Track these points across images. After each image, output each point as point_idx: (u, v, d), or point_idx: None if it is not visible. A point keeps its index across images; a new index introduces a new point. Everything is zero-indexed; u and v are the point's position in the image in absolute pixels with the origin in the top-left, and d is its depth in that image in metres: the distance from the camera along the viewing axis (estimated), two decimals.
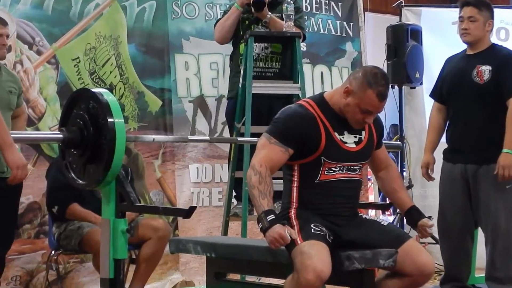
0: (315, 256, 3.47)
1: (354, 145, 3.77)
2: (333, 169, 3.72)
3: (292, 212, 3.71)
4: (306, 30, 6.15)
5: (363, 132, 3.81)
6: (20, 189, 4.63)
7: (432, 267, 3.73)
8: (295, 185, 3.75)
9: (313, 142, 3.68)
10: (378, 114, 3.83)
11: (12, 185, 4.33)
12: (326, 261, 3.48)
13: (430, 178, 5.13)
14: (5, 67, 4.69)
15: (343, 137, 3.75)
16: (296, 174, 3.74)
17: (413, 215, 3.97)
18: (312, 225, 3.61)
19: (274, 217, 3.54)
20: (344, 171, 3.74)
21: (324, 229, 3.62)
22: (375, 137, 3.89)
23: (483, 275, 4.93)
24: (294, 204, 3.73)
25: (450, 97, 5.00)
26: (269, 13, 5.54)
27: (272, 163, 3.66)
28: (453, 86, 4.98)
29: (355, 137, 3.78)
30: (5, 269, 5.19)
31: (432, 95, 5.20)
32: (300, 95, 5.46)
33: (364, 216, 3.91)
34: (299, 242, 3.54)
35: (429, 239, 6.77)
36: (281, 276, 4.54)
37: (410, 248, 3.71)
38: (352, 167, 3.77)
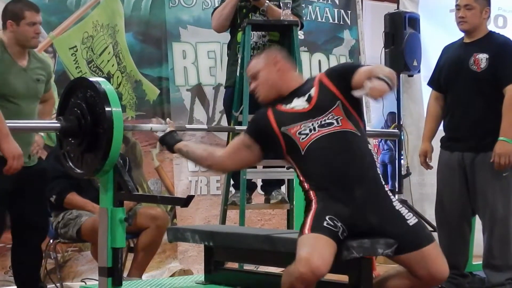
0: (315, 251, 3.36)
1: (306, 104, 3.64)
2: (303, 132, 3.58)
3: (310, 193, 3.55)
4: (304, 18, 6.14)
5: (312, 88, 3.68)
6: (44, 175, 4.60)
7: (445, 274, 3.62)
8: (297, 170, 3.64)
9: (268, 130, 3.67)
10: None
11: (37, 172, 4.33)
12: (325, 258, 3.37)
13: (428, 166, 5.14)
14: (34, 53, 4.61)
15: (290, 104, 3.67)
16: (291, 162, 3.68)
17: None
18: (327, 217, 3.45)
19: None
20: (316, 129, 3.58)
21: (339, 224, 3.45)
22: (331, 83, 3.66)
23: (481, 262, 4.94)
24: (305, 183, 3.58)
25: (447, 85, 5.01)
26: (267, 1, 5.53)
27: (230, 148, 3.81)
28: (450, 74, 4.98)
29: (304, 96, 3.67)
30: (3, 258, 5.21)
31: (430, 83, 5.20)
32: None
33: (393, 202, 3.63)
34: (306, 232, 3.44)
35: (427, 227, 6.79)
36: (279, 265, 4.55)
37: (429, 253, 3.57)
38: (321, 122, 3.59)
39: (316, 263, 3.33)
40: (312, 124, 3.60)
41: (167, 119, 3.94)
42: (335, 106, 3.63)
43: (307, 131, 3.59)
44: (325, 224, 3.43)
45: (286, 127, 3.63)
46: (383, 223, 3.56)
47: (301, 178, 3.62)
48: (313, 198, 3.55)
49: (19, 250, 4.51)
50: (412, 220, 3.61)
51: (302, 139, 3.59)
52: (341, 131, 3.61)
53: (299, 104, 3.67)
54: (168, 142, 3.89)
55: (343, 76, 3.65)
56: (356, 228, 3.52)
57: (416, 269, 3.58)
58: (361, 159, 3.63)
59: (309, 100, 3.66)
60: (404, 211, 3.62)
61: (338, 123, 3.61)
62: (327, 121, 3.61)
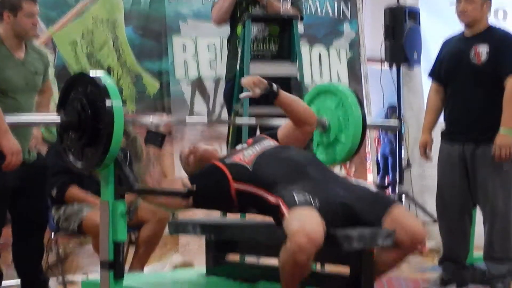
0: (305, 220, 3.39)
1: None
2: (245, 155, 3.83)
3: (273, 200, 3.63)
4: (304, 12, 6.14)
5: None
6: (44, 171, 4.60)
7: (422, 231, 3.69)
8: (252, 190, 3.72)
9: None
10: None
11: (37, 168, 4.32)
12: (318, 223, 3.39)
13: (428, 157, 5.14)
14: (32, 46, 4.53)
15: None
16: (242, 187, 3.75)
17: None
18: (294, 193, 3.55)
19: None
20: (257, 149, 3.85)
21: (308, 195, 3.55)
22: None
23: (481, 254, 4.95)
24: (267, 195, 3.67)
25: (448, 78, 5.01)
26: None
27: None
28: (451, 67, 4.99)
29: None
30: (5, 253, 5.21)
31: (430, 75, 5.21)
32: (298, 76, 5.47)
33: (348, 178, 3.94)
34: (286, 213, 3.48)
35: (428, 219, 6.80)
36: (277, 255, 4.57)
37: (398, 213, 3.66)
38: (261, 146, 3.90)
39: (312, 230, 3.36)
40: (252, 149, 3.86)
41: (164, 115, 3.95)
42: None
43: (250, 152, 3.83)
44: (296, 199, 3.51)
45: (229, 158, 3.85)
46: (347, 192, 3.69)
47: (264, 197, 3.67)
48: (278, 202, 3.58)
49: (20, 246, 4.51)
50: (372, 188, 3.81)
51: (246, 158, 3.81)
52: (279, 145, 3.94)
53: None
54: (153, 140, 3.91)
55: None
56: (326, 200, 3.58)
57: (398, 229, 3.62)
58: (303, 153, 3.92)
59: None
60: (362, 183, 3.85)
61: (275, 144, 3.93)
62: (265, 144, 3.91)
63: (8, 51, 4.31)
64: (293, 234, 3.36)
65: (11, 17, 4.35)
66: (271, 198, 3.63)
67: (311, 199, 3.54)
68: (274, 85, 3.97)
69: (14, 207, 4.37)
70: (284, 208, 3.51)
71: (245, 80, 4.05)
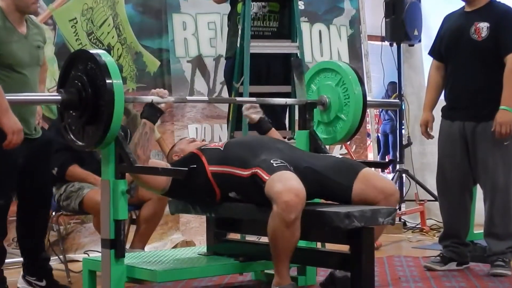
0: (287, 180, 3.60)
1: None
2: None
3: (246, 172, 3.83)
4: None
5: None
6: (50, 146, 4.59)
7: (392, 186, 3.96)
8: (225, 169, 3.92)
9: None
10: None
11: (42, 143, 4.31)
12: (299, 182, 3.60)
13: (429, 136, 5.14)
14: (31, 20, 4.48)
15: None
16: (216, 169, 3.94)
17: None
18: (271, 160, 3.75)
19: None
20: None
21: (283, 162, 3.75)
22: None
23: (482, 231, 4.96)
24: (239, 171, 3.87)
25: (448, 55, 4.99)
26: None
27: None
28: (451, 43, 4.97)
29: None
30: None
31: (431, 53, 5.19)
32: (298, 54, 5.45)
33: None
34: (266, 178, 3.66)
35: (428, 196, 6.81)
36: None
37: (366, 176, 3.87)
38: None
39: (296, 188, 3.56)
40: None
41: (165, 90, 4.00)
42: None
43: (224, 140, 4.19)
44: (275, 165, 3.71)
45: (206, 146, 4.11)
46: (316, 160, 3.96)
47: (237, 173, 3.87)
48: (255, 170, 3.78)
49: (24, 223, 4.52)
50: (338, 155, 4.16)
51: (220, 143, 4.08)
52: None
53: None
54: (150, 115, 3.94)
55: None
56: (296, 167, 3.78)
57: (368, 195, 3.83)
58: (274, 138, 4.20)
59: None
60: (330, 153, 4.22)
61: None
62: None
63: (12, 25, 4.28)
64: (279, 193, 3.55)
65: None
66: (244, 172, 3.83)
67: (287, 164, 3.74)
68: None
69: (20, 184, 4.37)
70: (263, 174, 3.70)
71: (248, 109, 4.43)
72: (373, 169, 4.17)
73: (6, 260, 4.46)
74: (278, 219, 3.56)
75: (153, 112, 3.93)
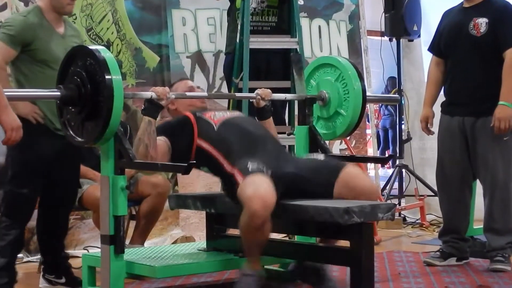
0: (257, 185, 3.65)
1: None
2: (216, 115, 4.14)
3: (228, 168, 3.91)
4: None
5: None
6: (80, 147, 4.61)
7: (372, 186, 4.02)
8: (212, 152, 4.00)
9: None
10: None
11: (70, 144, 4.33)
12: (269, 189, 3.65)
13: (429, 132, 5.13)
14: (69, 22, 4.62)
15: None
16: (204, 145, 4.01)
17: None
18: (248, 163, 3.80)
19: None
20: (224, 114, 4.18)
21: (261, 165, 3.80)
22: None
23: (481, 226, 4.96)
24: (223, 162, 3.95)
25: (447, 50, 4.99)
26: None
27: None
28: (450, 39, 4.97)
29: None
30: None
31: (430, 49, 5.18)
32: (298, 49, 5.45)
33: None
34: (239, 181, 3.74)
35: (428, 192, 6.81)
36: (280, 231, 4.58)
37: (348, 175, 3.91)
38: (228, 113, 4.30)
39: (264, 194, 3.63)
40: (223, 112, 4.24)
41: (166, 89, 4.00)
42: None
43: (220, 114, 4.16)
44: (250, 168, 3.77)
45: (200, 113, 4.14)
46: (298, 164, 4.03)
47: (220, 161, 3.96)
48: (233, 171, 3.85)
49: (46, 219, 4.51)
50: (321, 157, 4.16)
51: (216, 118, 4.09)
52: (243, 116, 4.40)
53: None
54: (152, 111, 3.95)
55: None
56: (278, 170, 3.86)
57: (348, 194, 3.87)
58: (266, 132, 4.21)
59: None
60: (310, 156, 4.24)
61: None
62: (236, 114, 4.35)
63: (50, 24, 4.37)
64: (248, 199, 3.62)
65: None
66: (227, 166, 3.92)
67: (264, 168, 3.79)
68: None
69: (46, 179, 4.38)
70: (239, 176, 3.78)
71: (266, 92, 4.37)
72: (355, 167, 4.20)
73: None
74: (246, 222, 3.67)
75: (154, 109, 3.95)
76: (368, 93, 4.67)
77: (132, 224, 5.15)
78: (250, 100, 4.69)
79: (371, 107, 7.99)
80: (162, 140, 4.00)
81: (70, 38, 4.44)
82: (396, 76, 7.45)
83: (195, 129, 4.04)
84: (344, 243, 3.83)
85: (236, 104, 5.41)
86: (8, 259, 4.24)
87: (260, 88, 4.40)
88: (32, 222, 5.21)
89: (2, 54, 4.22)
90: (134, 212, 5.11)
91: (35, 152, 4.22)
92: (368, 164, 7.97)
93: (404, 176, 7.25)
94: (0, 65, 4.20)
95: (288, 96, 4.86)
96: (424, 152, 7.39)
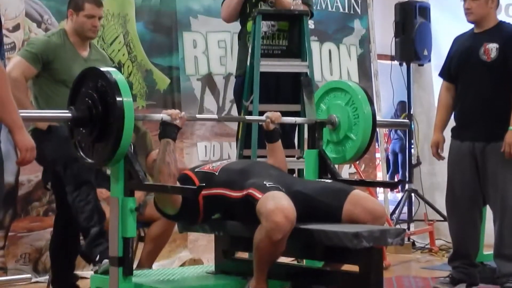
0: (279, 200, 3.62)
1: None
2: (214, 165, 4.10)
3: (238, 194, 3.84)
4: (314, 8, 6.14)
5: None
6: None
7: (381, 208, 3.93)
8: (216, 191, 3.93)
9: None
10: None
11: None
12: (291, 204, 3.62)
13: (440, 157, 5.13)
14: (96, 47, 4.78)
15: None
16: (208, 192, 3.90)
17: None
18: (264, 181, 3.78)
19: None
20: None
21: (277, 184, 3.78)
22: None
23: (492, 252, 4.94)
24: (230, 193, 3.89)
25: (458, 75, 5.00)
26: None
27: None
28: (460, 64, 4.98)
29: None
30: (14, 246, 5.22)
31: (441, 74, 5.19)
32: (308, 73, 5.46)
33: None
34: (259, 196, 3.67)
35: (437, 217, 6.79)
36: (289, 254, 4.56)
37: (356, 197, 3.88)
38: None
39: (287, 209, 3.59)
40: (220, 162, 4.16)
41: (178, 111, 3.99)
42: None
43: (217, 164, 4.10)
44: (267, 185, 3.74)
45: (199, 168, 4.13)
46: (307, 185, 3.99)
47: (228, 195, 3.90)
48: (248, 191, 3.79)
49: (60, 239, 4.53)
50: (327, 180, 4.21)
51: (214, 167, 4.05)
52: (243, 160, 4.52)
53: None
54: (169, 133, 3.94)
55: None
56: (288, 191, 3.79)
57: (357, 216, 3.82)
58: (264, 164, 4.22)
59: None
60: (320, 180, 4.29)
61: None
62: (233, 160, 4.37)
63: (73, 46, 4.52)
64: (271, 212, 3.57)
65: (73, 16, 4.63)
66: (237, 194, 3.85)
67: (280, 187, 3.77)
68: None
69: (61, 200, 4.40)
70: (256, 193, 3.71)
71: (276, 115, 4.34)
72: (361, 191, 4.18)
73: (14, 276, 4.46)
74: (265, 235, 3.61)
75: (171, 129, 3.94)
76: (378, 117, 4.67)
77: (141, 245, 5.14)
78: (260, 123, 4.69)
79: (380, 131, 7.98)
80: None
81: (94, 62, 4.49)
82: (406, 101, 7.45)
83: (196, 182, 3.95)
84: (353, 268, 3.82)
85: (246, 127, 5.41)
86: (99, 227, 4.34)
87: (270, 111, 4.40)
88: (41, 242, 5.25)
89: (23, 70, 4.32)
90: (143, 234, 5.10)
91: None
92: (378, 188, 7.96)
93: (413, 200, 7.23)
94: (19, 79, 4.28)
95: (298, 119, 4.86)
96: (434, 177, 7.38)
